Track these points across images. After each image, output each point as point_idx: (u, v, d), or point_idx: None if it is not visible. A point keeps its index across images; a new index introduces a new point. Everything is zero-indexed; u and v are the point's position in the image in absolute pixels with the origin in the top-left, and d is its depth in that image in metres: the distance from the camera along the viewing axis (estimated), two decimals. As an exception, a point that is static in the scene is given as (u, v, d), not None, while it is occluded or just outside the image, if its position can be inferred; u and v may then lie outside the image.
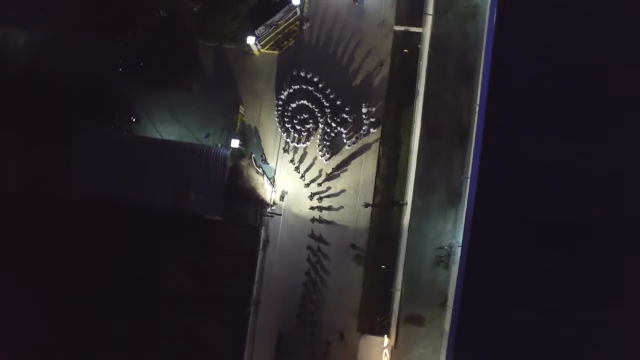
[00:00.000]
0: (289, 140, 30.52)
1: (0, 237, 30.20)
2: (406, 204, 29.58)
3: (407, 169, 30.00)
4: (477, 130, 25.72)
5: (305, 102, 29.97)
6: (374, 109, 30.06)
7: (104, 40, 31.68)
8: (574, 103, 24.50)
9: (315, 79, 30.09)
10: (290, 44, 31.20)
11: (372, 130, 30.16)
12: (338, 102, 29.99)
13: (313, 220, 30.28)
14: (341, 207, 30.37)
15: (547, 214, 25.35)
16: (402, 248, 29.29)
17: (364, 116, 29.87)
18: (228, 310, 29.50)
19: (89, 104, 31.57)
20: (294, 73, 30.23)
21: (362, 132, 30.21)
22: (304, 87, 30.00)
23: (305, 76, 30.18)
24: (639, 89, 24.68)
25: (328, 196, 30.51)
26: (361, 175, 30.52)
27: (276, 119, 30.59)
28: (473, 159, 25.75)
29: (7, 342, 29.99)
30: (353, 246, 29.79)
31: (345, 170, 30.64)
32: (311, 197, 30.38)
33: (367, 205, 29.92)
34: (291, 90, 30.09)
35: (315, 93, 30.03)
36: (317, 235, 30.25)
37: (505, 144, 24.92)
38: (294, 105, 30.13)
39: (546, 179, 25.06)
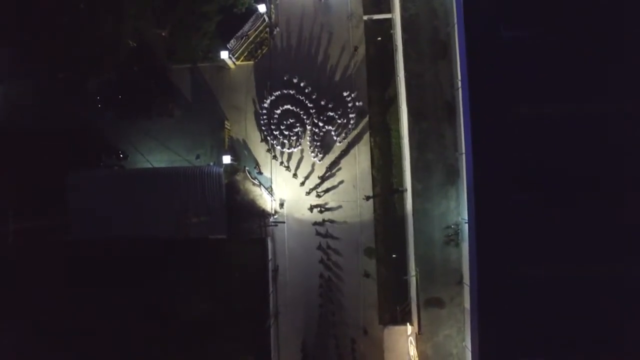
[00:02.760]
0: (279, 147, 30.45)
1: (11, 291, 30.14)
2: (406, 190, 29.50)
3: (401, 155, 29.94)
4: (463, 104, 25.58)
5: (289, 106, 29.90)
6: (358, 101, 29.97)
7: (78, 81, 31.46)
8: (555, 64, 24.39)
9: (295, 82, 30.00)
10: (264, 51, 31.11)
11: (359, 122, 30.19)
12: (321, 101, 29.92)
13: (317, 222, 30.27)
14: (343, 204, 30.36)
15: (545, 175, 25.21)
16: (410, 234, 29.23)
17: (349, 110, 29.79)
18: (248, 327, 29.37)
19: (74, 147, 31.45)
20: (281, 78, 30.24)
21: (350, 126, 30.12)
22: (285, 91, 29.92)
23: (285, 80, 30.15)
24: (618, 42, 24.77)
25: (329, 195, 30.54)
26: (357, 169, 30.50)
27: (263, 127, 30.52)
28: (464, 134, 25.63)
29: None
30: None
31: (341, 166, 30.65)
32: (313, 200, 30.39)
33: (368, 198, 29.85)
34: (273, 97, 30.03)
35: (297, 96, 29.97)
36: (324, 236, 30.23)
37: (493, 113, 24.77)
38: (278, 111, 30.05)
39: (539, 141, 24.92)
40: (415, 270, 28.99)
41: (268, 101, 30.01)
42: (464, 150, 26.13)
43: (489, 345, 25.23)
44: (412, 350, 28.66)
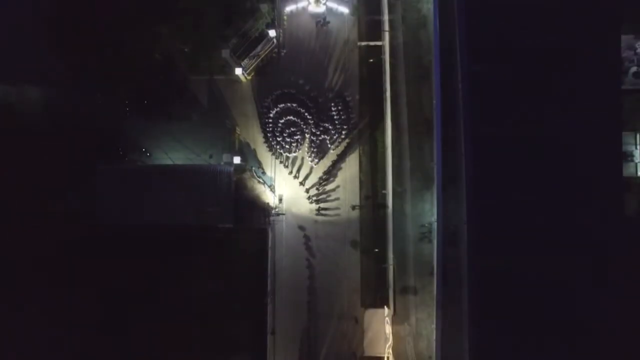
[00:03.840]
0: (281, 151, 35.06)
1: (45, 265, 34.81)
2: (388, 192, 34.03)
3: (385, 163, 34.27)
4: (436, 122, 30.33)
5: (291, 117, 34.65)
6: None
7: (110, 87, 35.94)
8: (510, 90, 29.16)
9: (297, 95, 34.78)
10: (272, 68, 35.56)
11: (350, 133, 35.00)
12: (319, 112, 34.66)
13: (312, 216, 34.79)
14: (333, 203, 34.94)
15: (505, 188, 29.65)
16: (389, 230, 33.79)
17: (343, 119, 34.74)
18: (248, 305, 34.14)
19: (104, 144, 35.94)
20: (285, 92, 34.91)
21: (342, 136, 34.85)
22: (288, 104, 34.67)
23: (288, 93, 34.88)
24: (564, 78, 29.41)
25: (322, 194, 35.08)
26: (347, 173, 35.05)
27: (268, 134, 35.21)
28: (436, 146, 30.38)
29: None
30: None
31: (334, 170, 35.19)
32: (308, 197, 34.96)
33: (354, 207, 34.42)
34: (278, 109, 34.72)
35: (298, 108, 34.68)
36: (318, 230, 34.68)
37: (459, 128, 29.47)
38: (281, 120, 34.69)
39: (500, 158, 29.58)
40: (393, 261, 33.60)
41: (273, 111, 34.75)
42: (435, 160, 30.84)
43: (450, 325, 29.84)
44: (388, 329, 33.11)
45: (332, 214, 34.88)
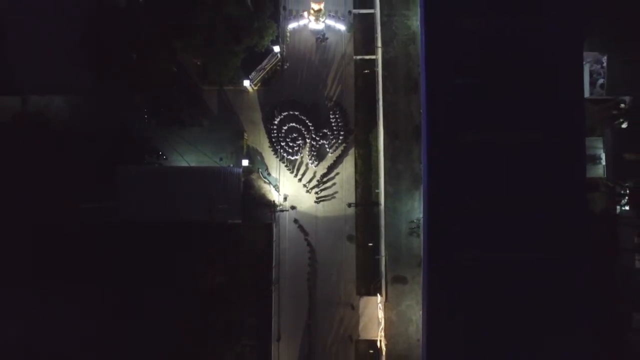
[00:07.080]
0: (284, 154, 38.65)
1: (74, 258, 38.26)
2: (380, 191, 37.63)
3: (378, 165, 37.89)
4: (423, 128, 33.99)
5: (293, 124, 38.21)
6: (347, 117, 38.54)
7: (131, 96, 39.47)
8: (490, 103, 32.64)
9: (299, 104, 38.38)
10: (276, 80, 39.29)
11: (347, 138, 38.56)
12: (318, 119, 38.18)
13: (313, 212, 38.27)
14: (332, 201, 38.48)
15: (481, 190, 32.86)
16: (382, 226, 37.37)
17: (340, 127, 38.33)
18: (255, 293, 37.69)
19: (124, 148, 39.11)
20: (287, 101, 38.52)
21: (339, 141, 38.50)
22: (290, 112, 38.30)
23: (290, 103, 38.50)
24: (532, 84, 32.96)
25: (322, 193, 38.58)
26: (344, 174, 38.52)
27: (273, 139, 38.79)
28: (422, 151, 34.08)
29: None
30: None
31: (332, 171, 38.70)
32: (309, 196, 38.46)
33: (350, 205, 37.79)
34: (281, 116, 38.31)
35: (300, 116, 38.23)
36: (317, 225, 38.14)
37: (444, 136, 32.95)
38: (285, 127, 38.25)
39: (477, 159, 32.91)
40: (385, 253, 37.22)
41: (277, 119, 38.35)
42: (422, 163, 34.50)
43: (435, 308, 33.23)
44: (381, 314, 36.68)
45: (330, 210, 38.40)
